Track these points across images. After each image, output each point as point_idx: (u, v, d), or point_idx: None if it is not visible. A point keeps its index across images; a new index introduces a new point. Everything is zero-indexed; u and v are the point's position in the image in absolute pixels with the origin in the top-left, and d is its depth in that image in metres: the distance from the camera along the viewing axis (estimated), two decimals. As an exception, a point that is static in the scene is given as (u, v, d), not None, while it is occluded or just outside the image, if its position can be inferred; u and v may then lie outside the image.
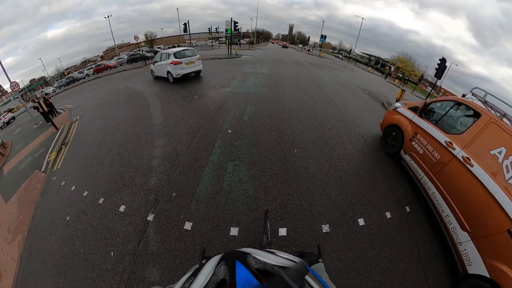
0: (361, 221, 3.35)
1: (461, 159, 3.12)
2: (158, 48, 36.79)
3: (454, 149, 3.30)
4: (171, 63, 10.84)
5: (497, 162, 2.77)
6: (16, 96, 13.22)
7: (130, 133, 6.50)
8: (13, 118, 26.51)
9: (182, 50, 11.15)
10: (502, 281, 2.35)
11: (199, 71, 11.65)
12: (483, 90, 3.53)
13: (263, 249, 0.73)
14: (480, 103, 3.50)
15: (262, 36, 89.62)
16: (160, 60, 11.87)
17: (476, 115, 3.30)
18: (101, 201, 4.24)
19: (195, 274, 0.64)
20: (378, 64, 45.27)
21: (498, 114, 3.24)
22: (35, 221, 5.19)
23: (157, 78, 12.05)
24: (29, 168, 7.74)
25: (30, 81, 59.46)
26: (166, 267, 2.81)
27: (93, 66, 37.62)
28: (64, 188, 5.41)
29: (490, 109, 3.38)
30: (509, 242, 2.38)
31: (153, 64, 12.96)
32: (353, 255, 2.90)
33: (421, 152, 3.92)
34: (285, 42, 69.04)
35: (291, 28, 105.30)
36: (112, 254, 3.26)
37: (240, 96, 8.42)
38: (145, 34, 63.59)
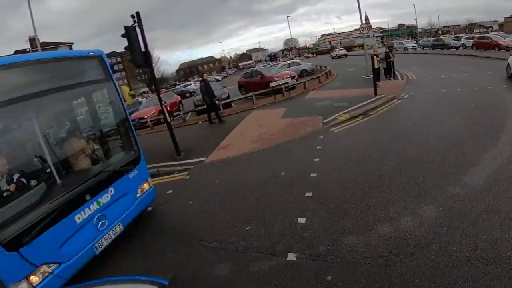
0: None
1: None
2: None
3: None
4: None
5: None
6: (372, 35, 14.35)
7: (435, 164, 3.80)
8: (345, 55, 31.70)
9: None
10: None
11: None
12: None
13: None
14: None
15: None
16: None
17: None
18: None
19: None
20: None
21: None
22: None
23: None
24: (322, 109, 8.10)
25: (398, 26, 54.85)
26: None
27: (474, 37, 24.59)
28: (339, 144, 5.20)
29: None
30: None
31: None
32: None
33: None
34: None
35: None
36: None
37: None
38: None
